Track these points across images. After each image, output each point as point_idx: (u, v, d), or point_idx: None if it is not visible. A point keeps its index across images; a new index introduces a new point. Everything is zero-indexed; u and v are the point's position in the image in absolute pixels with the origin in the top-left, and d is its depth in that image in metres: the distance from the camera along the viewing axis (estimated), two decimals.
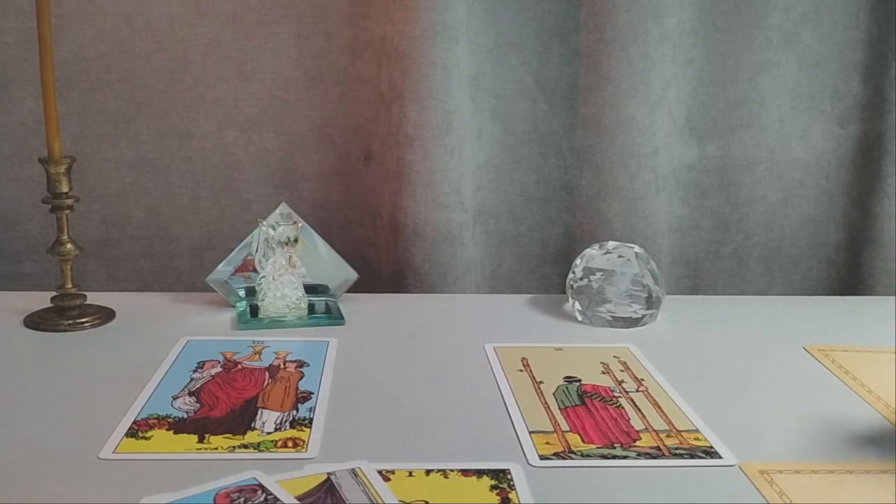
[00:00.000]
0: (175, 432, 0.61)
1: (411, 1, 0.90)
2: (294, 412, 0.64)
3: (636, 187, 0.97)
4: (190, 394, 0.67)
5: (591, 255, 0.85)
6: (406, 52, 0.91)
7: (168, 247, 1.02)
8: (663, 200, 1.00)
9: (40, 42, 0.77)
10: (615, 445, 0.61)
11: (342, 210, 1.02)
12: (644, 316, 0.84)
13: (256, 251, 0.84)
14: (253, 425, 0.62)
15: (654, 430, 0.63)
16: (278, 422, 0.63)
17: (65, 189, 0.80)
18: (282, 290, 0.83)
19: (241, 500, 0.52)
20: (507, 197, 1.02)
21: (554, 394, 0.69)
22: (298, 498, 0.52)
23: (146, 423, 0.62)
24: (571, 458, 0.59)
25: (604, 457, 0.59)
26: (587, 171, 0.99)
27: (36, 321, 0.81)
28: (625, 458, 0.59)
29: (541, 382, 0.71)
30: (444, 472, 0.56)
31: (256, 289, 0.84)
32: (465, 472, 0.56)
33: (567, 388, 0.70)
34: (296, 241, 0.84)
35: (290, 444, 0.60)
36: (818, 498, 0.54)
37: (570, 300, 0.86)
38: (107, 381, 0.70)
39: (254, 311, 0.84)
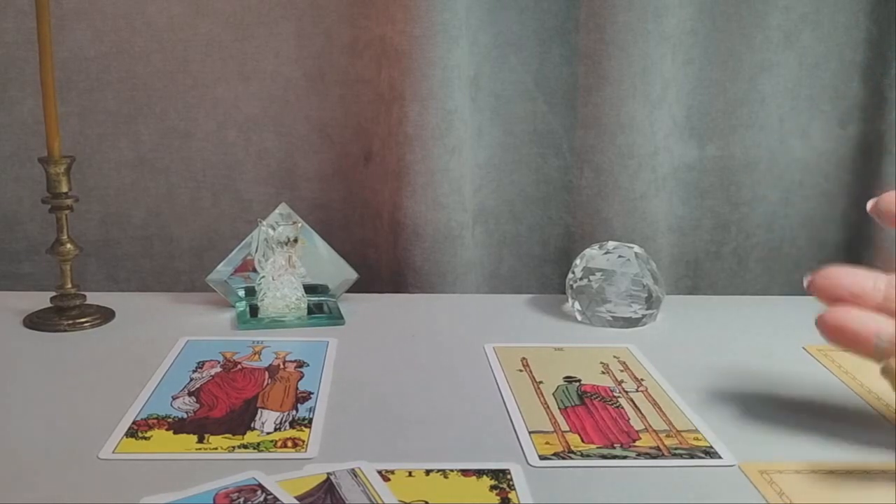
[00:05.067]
0: (175, 432, 0.61)
1: (411, 1, 0.90)
2: (294, 412, 0.64)
3: (636, 187, 0.97)
4: (189, 394, 0.67)
5: (591, 255, 0.85)
6: (406, 52, 0.91)
7: (168, 247, 1.02)
8: (663, 200, 1.00)
9: (40, 42, 0.77)
10: (615, 445, 0.61)
11: (342, 210, 1.02)
12: (644, 316, 0.84)
13: (256, 251, 0.84)
14: (252, 425, 0.62)
15: (654, 430, 0.63)
16: (278, 422, 0.63)
17: (64, 189, 0.80)
18: (281, 290, 0.83)
19: (241, 500, 0.52)
20: (507, 197, 1.02)
21: (554, 394, 0.69)
22: (298, 498, 0.52)
23: (146, 423, 0.62)
24: (571, 458, 0.59)
25: (604, 457, 0.59)
26: (587, 171, 0.99)
27: (36, 321, 0.81)
28: (625, 458, 0.59)
29: (541, 382, 0.71)
30: (443, 472, 0.56)
31: (256, 289, 0.84)
32: (464, 472, 0.56)
33: (567, 388, 0.70)
34: (296, 241, 0.84)
35: (289, 444, 0.60)
36: (818, 498, 0.54)
37: (570, 300, 0.86)
38: (107, 381, 0.70)
39: (253, 311, 0.84)
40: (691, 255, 1.05)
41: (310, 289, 0.86)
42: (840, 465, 0.58)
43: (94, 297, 0.85)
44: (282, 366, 0.73)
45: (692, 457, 0.59)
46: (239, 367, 0.73)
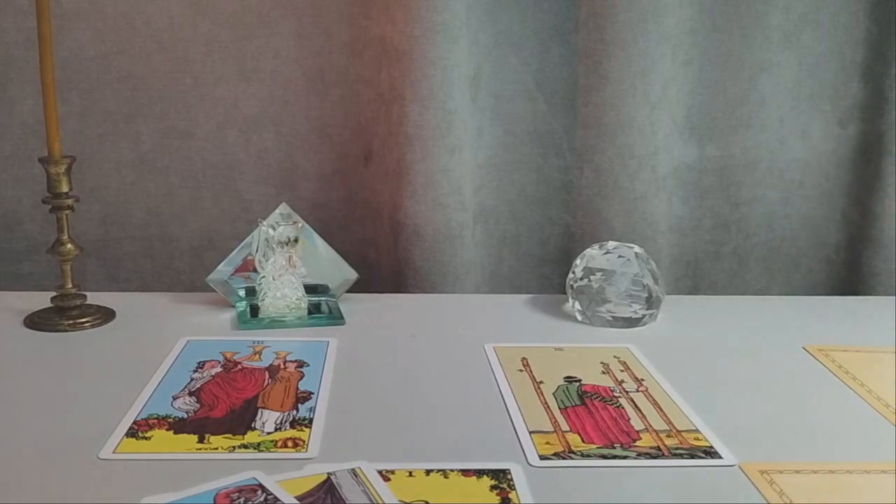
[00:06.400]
0: (175, 432, 0.61)
1: (411, 1, 0.90)
2: (294, 412, 0.64)
3: (636, 187, 0.97)
4: (190, 394, 0.67)
5: (591, 255, 0.85)
6: (406, 52, 0.91)
7: (168, 247, 1.02)
8: (663, 200, 1.00)
9: (40, 42, 0.77)
10: (615, 445, 0.61)
11: (342, 210, 1.02)
12: (644, 316, 0.84)
13: (256, 251, 0.84)
14: (253, 425, 0.62)
15: (654, 430, 0.63)
16: (278, 422, 0.63)
17: (65, 189, 0.80)
18: (282, 290, 0.83)
19: (241, 500, 0.52)
20: (507, 197, 1.02)
21: (554, 394, 0.69)
22: (298, 498, 0.52)
23: (146, 423, 0.62)
24: (571, 458, 0.59)
25: (604, 457, 0.59)
26: (587, 171, 0.99)
27: (36, 321, 0.81)
28: (625, 458, 0.59)
29: (541, 382, 0.71)
30: (444, 472, 0.56)
31: (256, 289, 0.84)
32: (465, 472, 0.56)
33: (567, 388, 0.70)
34: (296, 241, 0.84)
35: (290, 444, 0.60)
36: (818, 498, 0.54)
37: (570, 300, 0.86)
38: (107, 381, 0.70)
39: (254, 311, 0.84)
40: (691, 255, 1.05)
41: (310, 289, 0.86)
42: (840, 465, 0.58)
43: (94, 297, 0.85)
44: (282, 366, 0.73)
45: (692, 457, 0.59)
46: (239, 367, 0.73)
